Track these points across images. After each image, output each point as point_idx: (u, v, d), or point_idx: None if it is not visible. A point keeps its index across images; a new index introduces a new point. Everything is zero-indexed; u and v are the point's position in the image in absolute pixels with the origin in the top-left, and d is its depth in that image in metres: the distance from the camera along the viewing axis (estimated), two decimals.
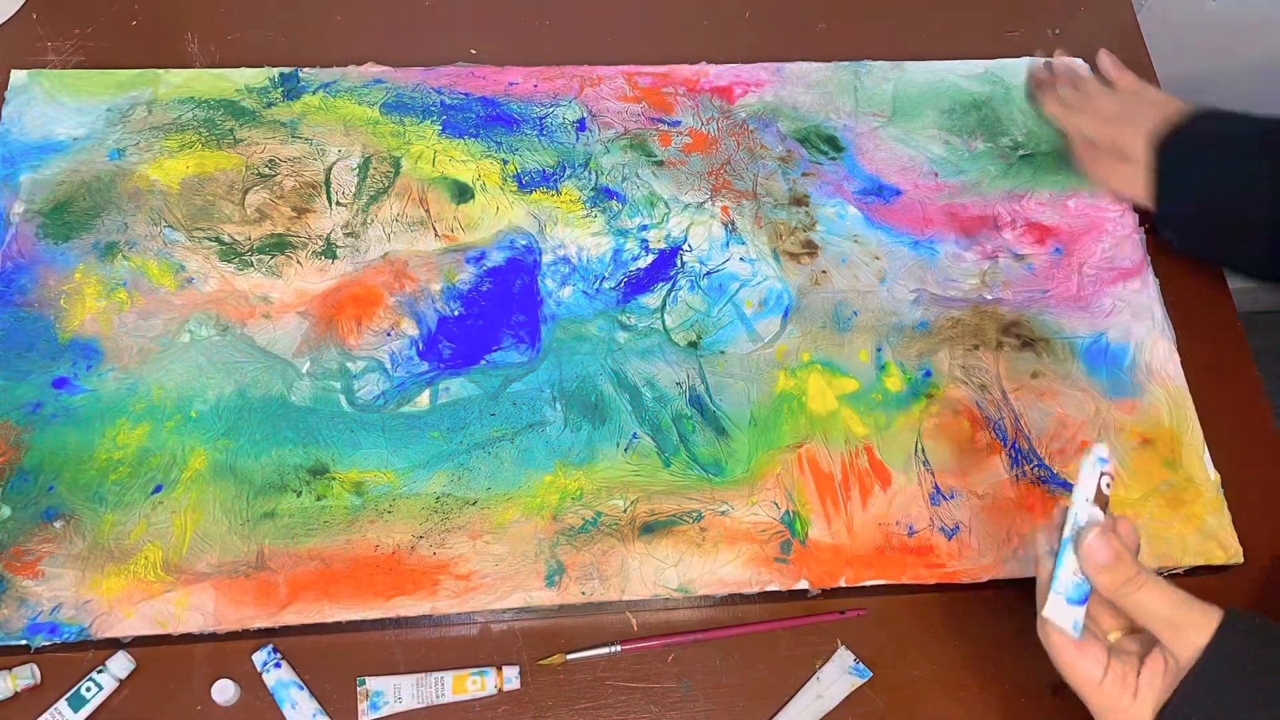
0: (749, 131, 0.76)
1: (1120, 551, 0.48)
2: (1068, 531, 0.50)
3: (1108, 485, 0.50)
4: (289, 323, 0.66)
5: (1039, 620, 0.50)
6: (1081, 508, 0.50)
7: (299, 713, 0.57)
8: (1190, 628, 0.46)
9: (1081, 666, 0.48)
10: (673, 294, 0.69)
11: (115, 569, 0.58)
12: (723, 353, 0.67)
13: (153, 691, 0.58)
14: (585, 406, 0.65)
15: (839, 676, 0.61)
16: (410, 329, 0.66)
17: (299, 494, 0.61)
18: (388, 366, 0.65)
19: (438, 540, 0.60)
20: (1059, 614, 0.49)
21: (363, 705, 0.58)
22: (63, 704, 0.56)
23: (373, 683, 0.58)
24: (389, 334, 0.66)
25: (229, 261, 0.67)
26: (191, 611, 0.57)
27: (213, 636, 0.58)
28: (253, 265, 0.67)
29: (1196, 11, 0.99)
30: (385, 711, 0.58)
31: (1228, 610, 0.47)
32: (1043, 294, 0.71)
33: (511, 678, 0.59)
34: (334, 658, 0.59)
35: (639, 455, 0.64)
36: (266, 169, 0.71)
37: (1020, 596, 0.63)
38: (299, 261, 0.68)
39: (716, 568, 0.61)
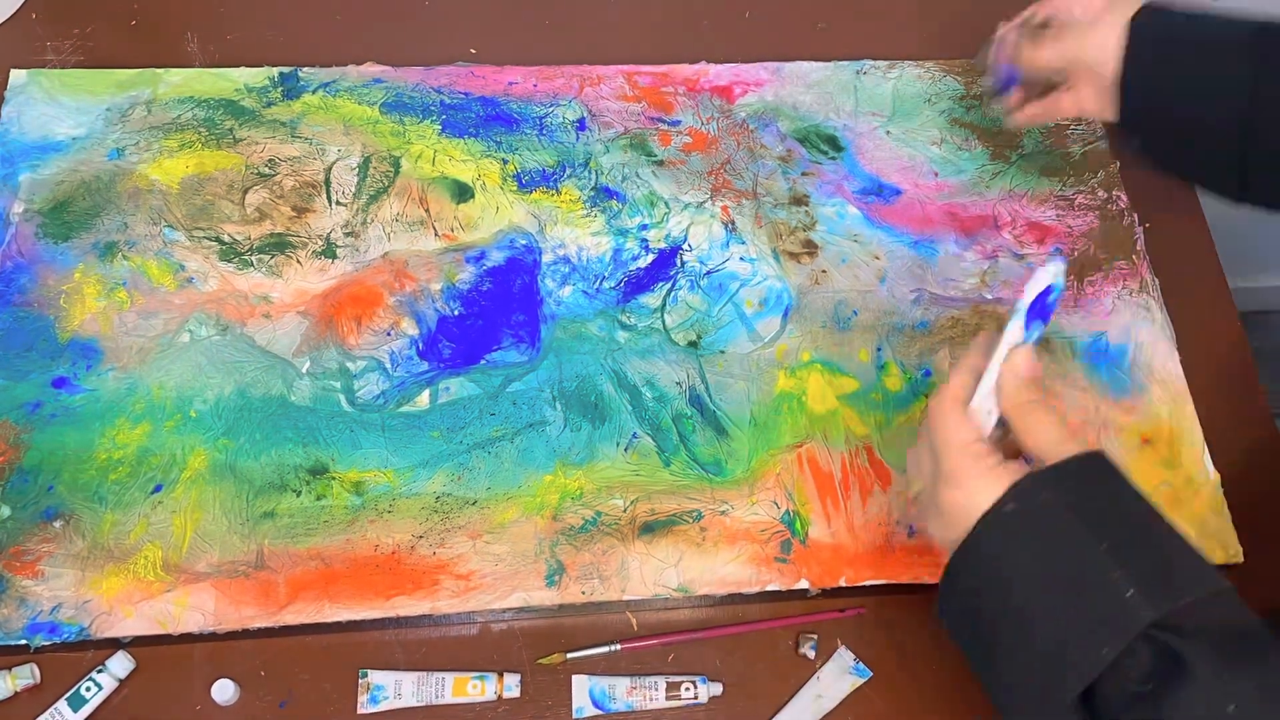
0: (749, 131, 0.76)
1: (1040, 375, 0.51)
2: (1009, 339, 0.51)
3: (1053, 305, 0.52)
4: (289, 322, 0.66)
5: (945, 389, 0.51)
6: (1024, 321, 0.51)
7: None
8: (1070, 445, 0.48)
9: (960, 430, 0.50)
10: (673, 294, 0.69)
11: (115, 569, 0.58)
12: (723, 352, 0.67)
13: (153, 691, 0.58)
14: (585, 406, 0.65)
15: (839, 676, 0.61)
16: (410, 329, 0.66)
17: (299, 494, 0.61)
18: (387, 366, 0.65)
19: (438, 540, 0.60)
20: (977, 410, 0.51)
21: (363, 698, 0.58)
22: (62, 704, 0.56)
23: (374, 676, 0.58)
24: (389, 334, 0.66)
25: (229, 261, 0.67)
26: (191, 611, 0.57)
27: (213, 636, 0.58)
28: (253, 265, 0.67)
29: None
30: (384, 706, 0.58)
31: (1103, 452, 0.48)
32: None
33: (512, 685, 0.59)
34: (334, 656, 0.59)
35: (639, 455, 0.64)
36: (266, 169, 0.71)
37: None
38: (299, 261, 0.68)
39: (716, 567, 0.61)
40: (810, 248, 0.72)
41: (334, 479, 0.61)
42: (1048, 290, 0.51)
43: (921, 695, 0.61)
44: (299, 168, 0.71)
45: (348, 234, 0.69)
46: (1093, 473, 0.47)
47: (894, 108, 0.78)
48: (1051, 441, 0.48)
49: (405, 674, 0.59)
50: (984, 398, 0.51)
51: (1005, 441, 0.52)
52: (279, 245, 0.68)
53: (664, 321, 0.68)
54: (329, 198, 0.70)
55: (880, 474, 0.64)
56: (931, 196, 0.74)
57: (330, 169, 0.71)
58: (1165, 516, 0.47)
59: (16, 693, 0.57)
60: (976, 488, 0.48)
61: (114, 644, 0.58)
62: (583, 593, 0.59)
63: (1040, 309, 0.51)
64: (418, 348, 0.66)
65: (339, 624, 0.58)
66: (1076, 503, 0.46)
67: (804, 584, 0.61)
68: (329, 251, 0.68)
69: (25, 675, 0.57)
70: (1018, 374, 0.50)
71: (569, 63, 0.77)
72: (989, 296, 0.71)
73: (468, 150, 0.73)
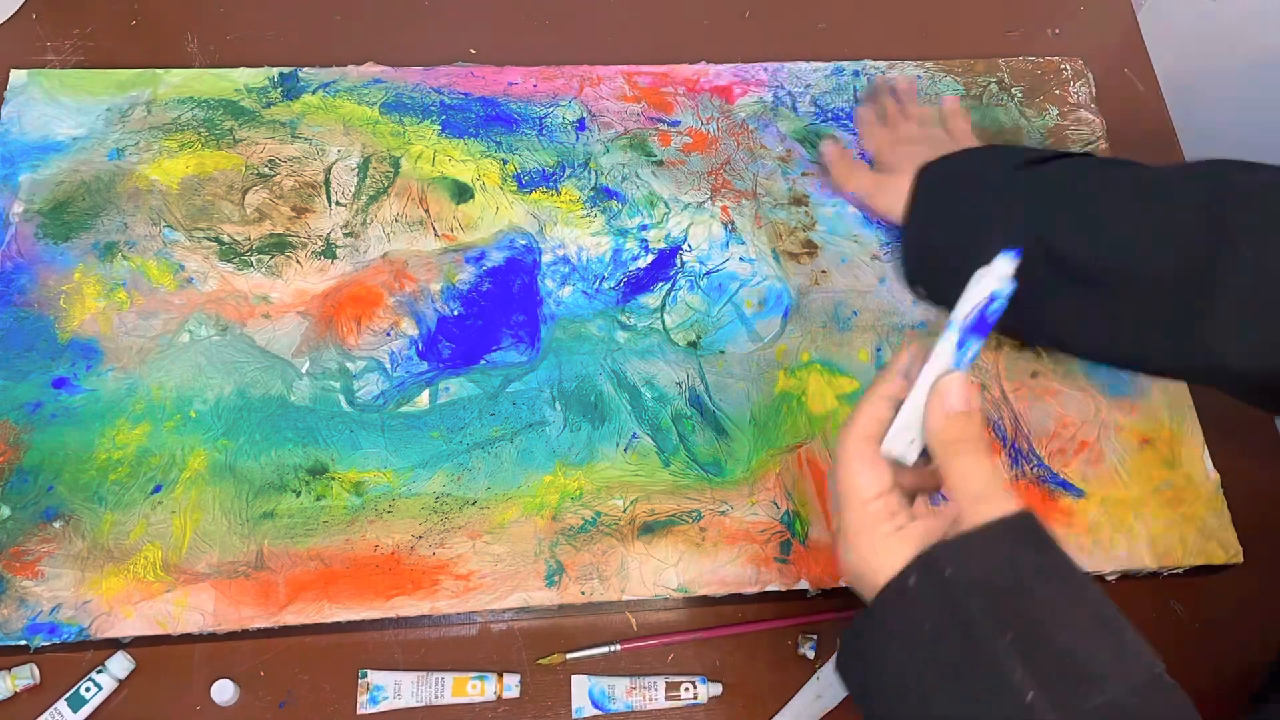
0: (749, 131, 0.76)
1: (976, 407, 0.43)
2: (938, 363, 0.44)
3: (994, 315, 0.43)
4: (289, 323, 0.66)
5: (853, 424, 0.45)
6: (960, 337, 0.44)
7: None
8: (994, 503, 0.42)
9: (862, 478, 0.44)
10: (672, 294, 0.69)
11: (115, 569, 0.58)
12: (722, 352, 0.67)
13: (152, 691, 0.58)
14: (585, 406, 0.65)
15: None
16: (410, 329, 0.66)
17: (298, 494, 0.61)
18: (387, 366, 0.65)
19: (437, 540, 0.60)
20: (895, 443, 0.44)
21: (362, 698, 0.58)
22: (62, 704, 0.56)
23: (374, 676, 0.58)
24: (389, 334, 0.66)
25: (229, 261, 0.67)
26: (191, 611, 0.57)
27: (212, 636, 0.58)
28: (252, 265, 0.67)
29: (1196, 11, 0.99)
30: (384, 706, 0.58)
31: (1031, 512, 0.43)
32: None
33: (512, 685, 0.59)
34: (334, 656, 0.59)
35: (639, 455, 0.64)
36: (266, 169, 0.71)
37: None
38: (299, 261, 0.68)
39: (716, 567, 0.61)
40: (810, 248, 0.72)
41: (334, 479, 0.61)
42: (990, 299, 0.43)
43: None
44: (299, 168, 0.71)
45: (347, 234, 0.69)
46: (1012, 541, 0.41)
47: None
48: (972, 496, 0.42)
49: (405, 674, 0.59)
50: (901, 431, 0.44)
51: (930, 471, 0.46)
52: (279, 245, 0.68)
53: (664, 322, 0.68)
54: (329, 198, 0.70)
55: None
56: None
57: (330, 169, 0.71)
58: (1093, 590, 0.41)
59: (16, 693, 0.57)
60: (873, 554, 0.43)
61: (114, 644, 0.58)
62: (582, 593, 0.59)
63: (979, 323, 0.43)
64: (417, 348, 0.66)
65: (339, 624, 0.59)
66: (983, 579, 0.40)
67: (804, 584, 0.61)
68: (329, 252, 0.68)
69: (25, 675, 0.57)
70: (946, 407, 0.43)
71: (569, 63, 0.77)
72: None
73: (467, 150, 0.73)
